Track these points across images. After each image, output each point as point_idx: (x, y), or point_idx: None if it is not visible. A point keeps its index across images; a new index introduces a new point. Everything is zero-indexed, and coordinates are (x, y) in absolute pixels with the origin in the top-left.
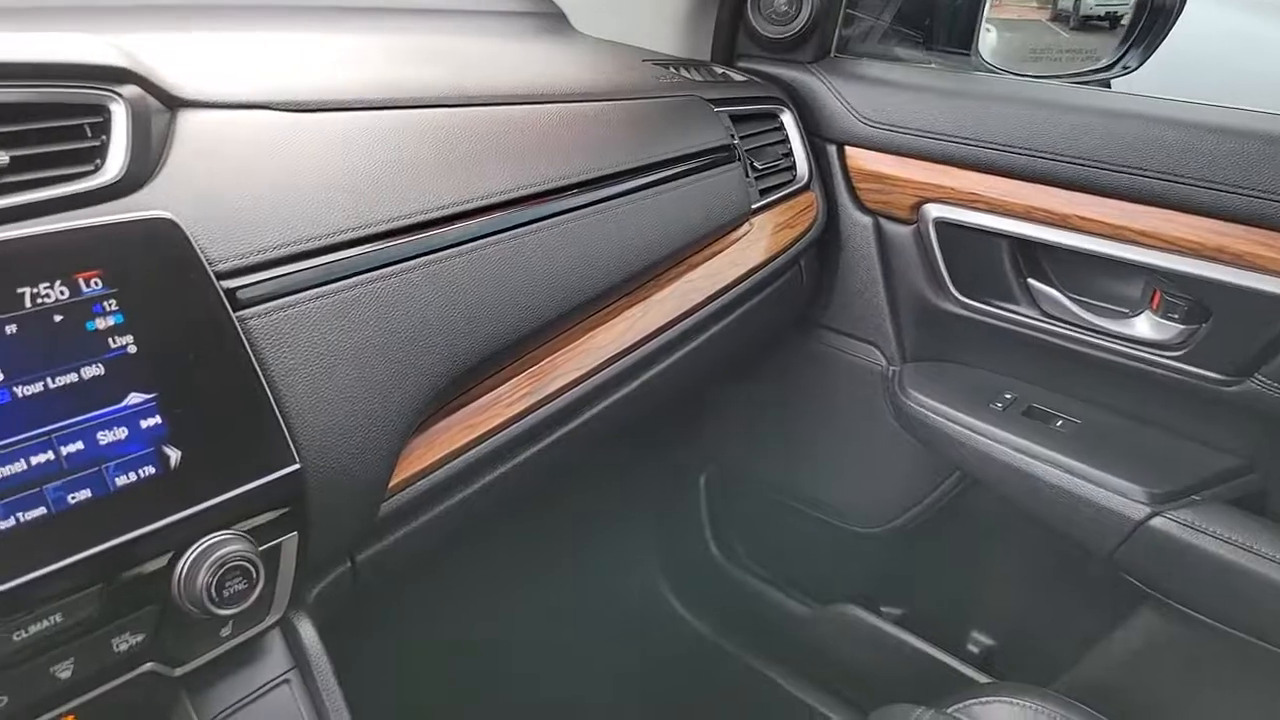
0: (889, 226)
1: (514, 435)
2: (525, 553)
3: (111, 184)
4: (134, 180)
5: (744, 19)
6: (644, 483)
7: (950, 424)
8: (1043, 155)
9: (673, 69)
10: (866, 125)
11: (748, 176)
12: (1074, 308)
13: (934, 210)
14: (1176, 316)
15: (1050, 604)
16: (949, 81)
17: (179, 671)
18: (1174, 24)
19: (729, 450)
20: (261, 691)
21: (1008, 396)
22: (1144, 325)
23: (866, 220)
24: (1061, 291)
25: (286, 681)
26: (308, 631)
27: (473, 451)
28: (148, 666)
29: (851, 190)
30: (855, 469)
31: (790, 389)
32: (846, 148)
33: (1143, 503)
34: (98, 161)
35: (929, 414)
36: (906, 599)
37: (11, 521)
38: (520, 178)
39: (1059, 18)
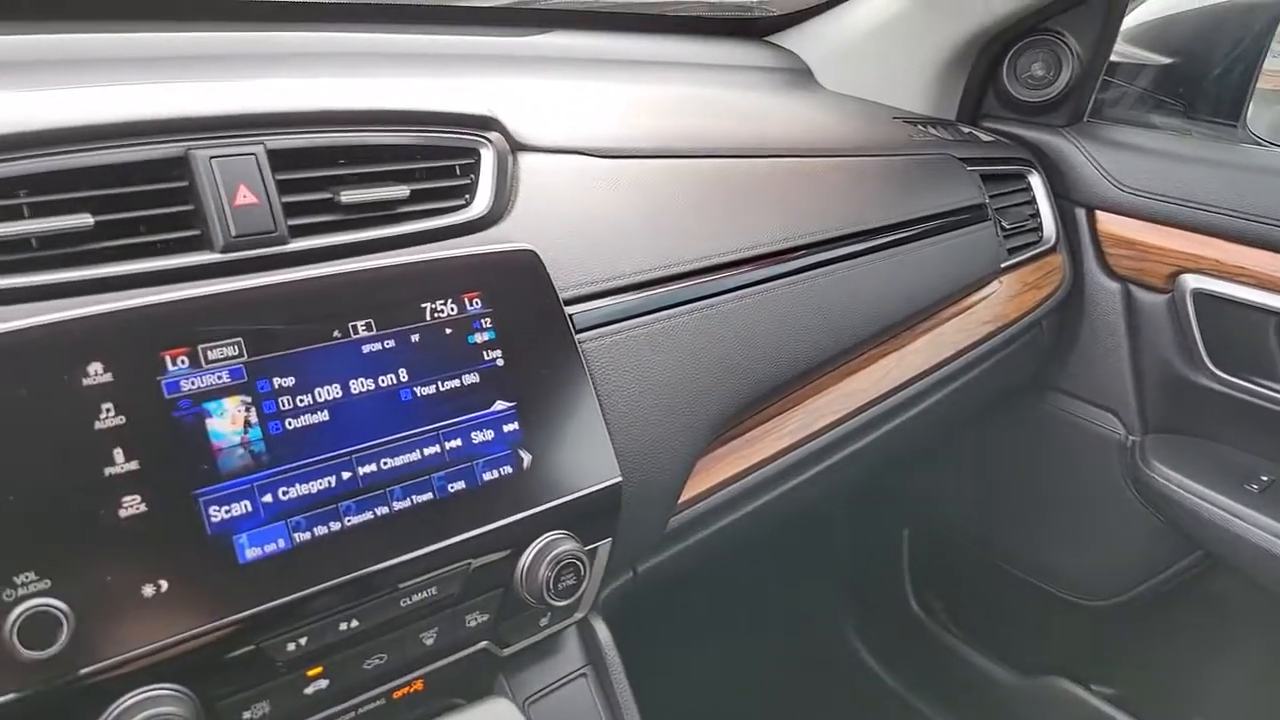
0: (1140, 294)
1: (778, 469)
2: (729, 587)
3: (479, 218)
4: (495, 215)
5: (995, 81)
6: (842, 529)
7: (1199, 501)
8: None
9: (921, 126)
10: (1121, 190)
11: (998, 235)
12: None
13: (1192, 281)
14: None
15: None
16: (1215, 151)
17: (505, 652)
18: None
19: (939, 504)
20: (563, 682)
21: (1264, 478)
22: None
23: (1114, 286)
24: None
25: (583, 675)
26: (603, 631)
27: (743, 481)
28: (483, 644)
29: (1100, 255)
30: (1080, 537)
31: (1016, 449)
32: (1097, 212)
33: None
34: (466, 197)
35: (1175, 489)
36: (1123, 677)
37: (408, 503)
38: (795, 227)
39: None
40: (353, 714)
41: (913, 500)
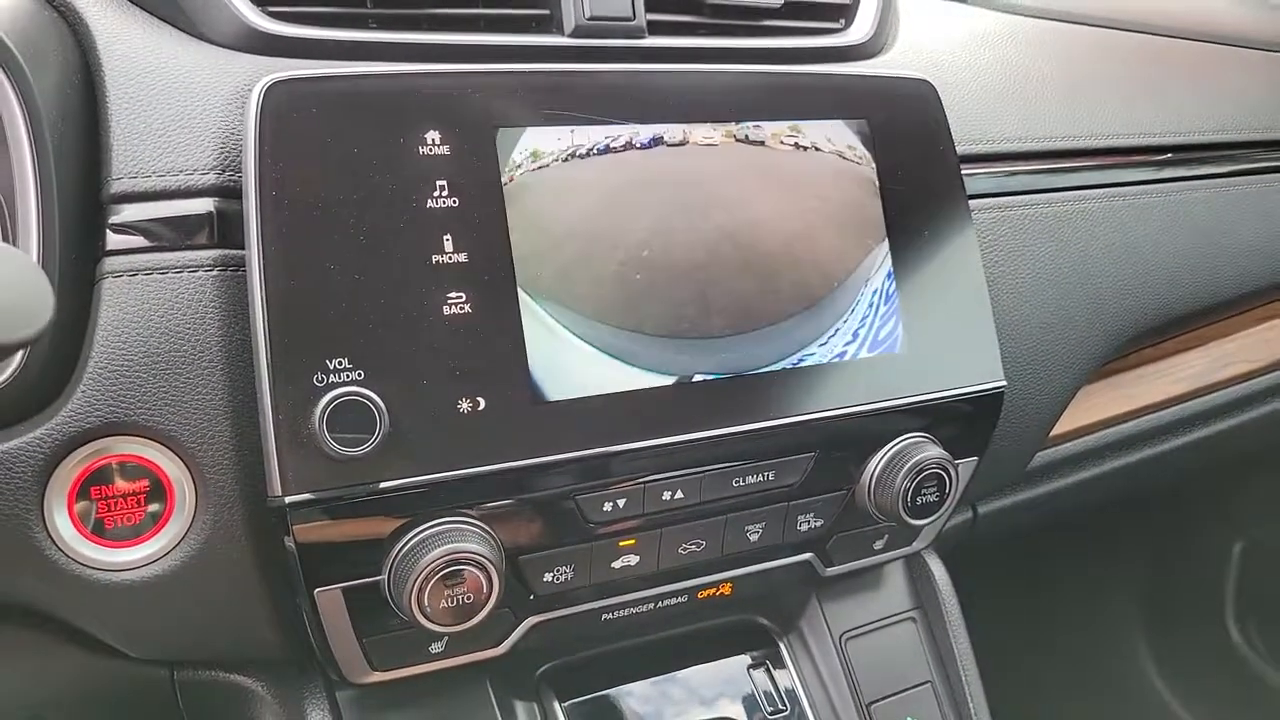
0: None
1: (1164, 421)
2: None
3: (859, 44)
4: (876, 44)
5: None
6: (1155, 531)
7: None
8: None
9: None
10: None
11: None
12: None
13: None
14: None
15: None
16: None
17: (828, 572)
18: None
19: None
20: (886, 622)
21: None
22: None
23: None
24: None
25: (912, 619)
26: (939, 571)
27: (1123, 426)
28: (808, 557)
29: None
30: None
31: None
32: None
33: None
34: (842, 20)
35: None
36: None
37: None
38: (1240, 120)
39: None
40: (653, 605)
41: (1257, 506)
